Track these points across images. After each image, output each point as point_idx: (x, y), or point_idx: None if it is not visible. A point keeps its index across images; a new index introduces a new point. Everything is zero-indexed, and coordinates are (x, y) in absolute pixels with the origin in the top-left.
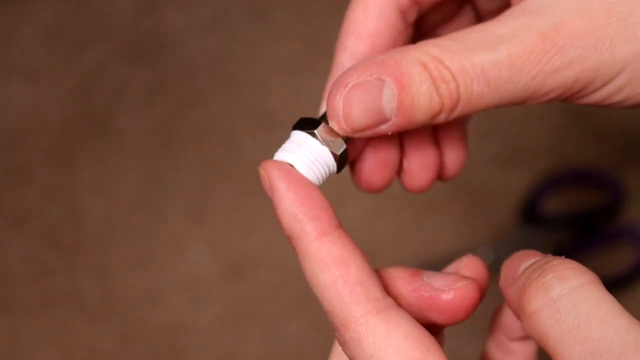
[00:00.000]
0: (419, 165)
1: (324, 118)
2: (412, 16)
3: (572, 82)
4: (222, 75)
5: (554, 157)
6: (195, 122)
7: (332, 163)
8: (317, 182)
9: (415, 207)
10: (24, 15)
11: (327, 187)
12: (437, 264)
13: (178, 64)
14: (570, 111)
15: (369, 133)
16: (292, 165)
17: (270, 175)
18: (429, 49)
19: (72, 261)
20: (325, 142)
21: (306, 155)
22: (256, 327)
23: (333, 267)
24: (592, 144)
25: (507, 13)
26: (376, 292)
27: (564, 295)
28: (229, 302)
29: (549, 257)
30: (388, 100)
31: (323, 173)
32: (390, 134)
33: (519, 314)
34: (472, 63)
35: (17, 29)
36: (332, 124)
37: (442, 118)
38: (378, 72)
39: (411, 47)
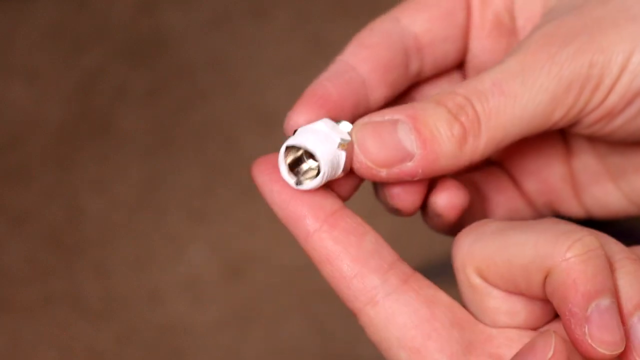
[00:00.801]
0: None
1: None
2: (414, 66)
3: (588, 66)
4: (222, 75)
5: None
6: (195, 122)
7: (342, 163)
8: (324, 178)
9: None
10: (24, 15)
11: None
12: (437, 264)
13: (178, 64)
14: None
15: (396, 172)
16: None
17: (256, 180)
18: (439, 91)
19: (72, 261)
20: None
21: (327, 151)
22: (256, 327)
23: (326, 263)
24: None
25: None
26: (373, 279)
27: None
28: (229, 302)
29: None
30: (405, 133)
31: (332, 171)
32: (421, 177)
33: None
34: (481, 80)
35: (17, 29)
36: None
37: (472, 146)
38: (389, 113)
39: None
